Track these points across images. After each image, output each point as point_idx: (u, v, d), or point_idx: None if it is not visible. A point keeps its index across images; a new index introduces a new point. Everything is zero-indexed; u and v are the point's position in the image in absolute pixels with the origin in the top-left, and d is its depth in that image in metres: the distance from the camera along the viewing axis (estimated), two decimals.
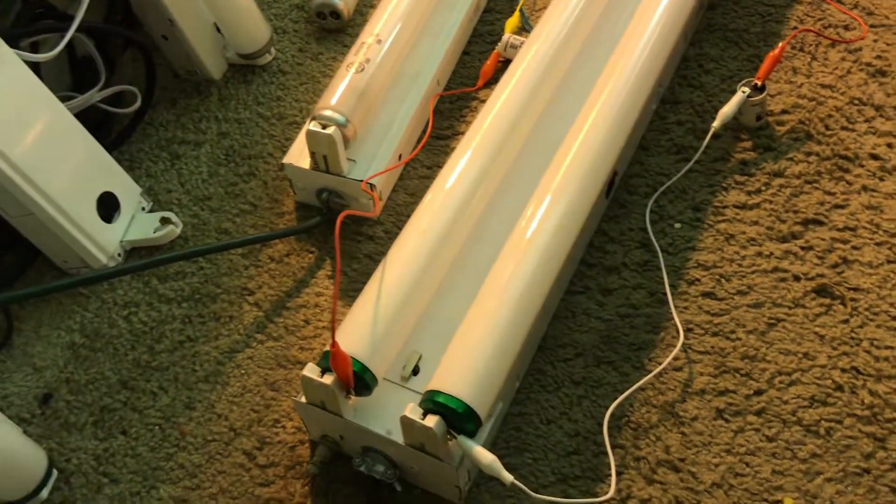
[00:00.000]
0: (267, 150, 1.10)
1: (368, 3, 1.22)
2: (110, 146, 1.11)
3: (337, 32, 1.21)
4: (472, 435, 0.75)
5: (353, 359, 0.77)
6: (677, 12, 1.02)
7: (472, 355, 0.77)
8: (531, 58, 0.99)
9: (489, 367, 0.77)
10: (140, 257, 1.03)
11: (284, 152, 1.04)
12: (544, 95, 0.99)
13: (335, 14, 1.19)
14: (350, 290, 0.97)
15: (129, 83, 1.14)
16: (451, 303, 0.87)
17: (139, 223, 1.03)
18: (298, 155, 1.01)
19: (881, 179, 0.98)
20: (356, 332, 0.79)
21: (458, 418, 0.74)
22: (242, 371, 0.93)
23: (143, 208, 1.05)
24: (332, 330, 0.73)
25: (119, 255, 1.01)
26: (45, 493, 0.86)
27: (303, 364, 0.91)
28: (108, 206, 1.01)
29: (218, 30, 1.14)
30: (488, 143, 0.93)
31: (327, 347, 0.76)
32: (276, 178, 1.07)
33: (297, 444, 0.88)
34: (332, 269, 0.98)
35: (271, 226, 1.03)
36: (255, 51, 1.15)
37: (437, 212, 0.87)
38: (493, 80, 1.11)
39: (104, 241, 0.99)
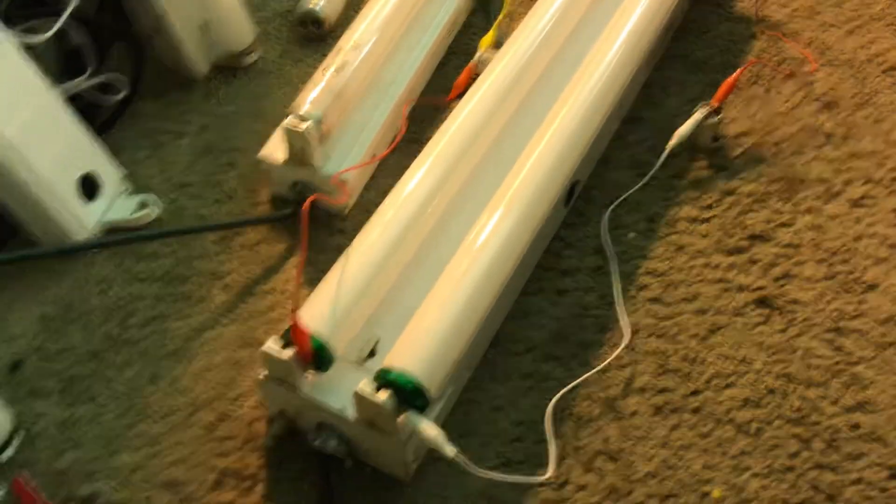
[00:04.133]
0: (246, 143, 1.14)
1: (351, 17, 1.27)
2: (95, 132, 1.16)
3: (319, 41, 1.26)
4: (420, 411, 0.79)
5: (313, 336, 0.81)
6: (639, 37, 1.08)
7: (425, 336, 0.81)
8: (496, 74, 1.04)
9: (441, 349, 0.81)
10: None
11: (262, 147, 1.09)
12: (508, 109, 1.04)
13: (317, 23, 1.25)
14: (316, 279, 0.99)
15: (117, 73, 1.18)
16: (410, 293, 0.91)
17: (119, 205, 1.07)
18: (275, 149, 1.06)
19: (826, 202, 1.04)
20: (317, 311, 0.84)
21: (408, 394, 0.78)
22: (208, 349, 0.97)
23: (124, 192, 1.09)
24: (294, 303, 0.77)
25: (97, 234, 1.05)
26: (9, 452, 0.90)
27: None
28: (90, 187, 1.05)
29: (205, 29, 1.19)
30: (452, 148, 0.97)
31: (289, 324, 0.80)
32: (253, 171, 1.12)
33: (254, 420, 0.91)
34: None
35: (246, 215, 1.08)
36: (240, 51, 1.20)
37: (401, 207, 0.92)
38: (465, 93, 1.16)
39: (84, 219, 1.03)
